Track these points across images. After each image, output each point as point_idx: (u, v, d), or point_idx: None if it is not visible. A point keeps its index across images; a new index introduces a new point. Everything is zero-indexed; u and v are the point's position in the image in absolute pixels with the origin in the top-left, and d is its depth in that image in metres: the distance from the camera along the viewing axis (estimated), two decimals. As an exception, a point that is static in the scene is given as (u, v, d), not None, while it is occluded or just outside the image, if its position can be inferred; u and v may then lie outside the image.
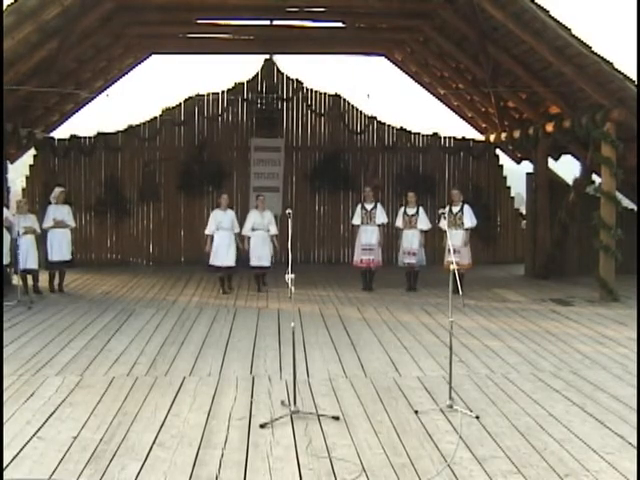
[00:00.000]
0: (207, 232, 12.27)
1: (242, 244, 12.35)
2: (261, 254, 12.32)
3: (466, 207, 12.17)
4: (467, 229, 12.09)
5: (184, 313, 10.38)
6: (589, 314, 10.36)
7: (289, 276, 5.98)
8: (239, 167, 16.74)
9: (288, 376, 6.50)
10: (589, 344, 8.42)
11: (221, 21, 14.65)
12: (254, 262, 12.39)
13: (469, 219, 12.09)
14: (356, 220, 12.63)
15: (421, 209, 12.56)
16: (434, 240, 12.88)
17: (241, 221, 12.51)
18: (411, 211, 12.49)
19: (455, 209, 12.11)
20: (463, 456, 4.91)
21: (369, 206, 12.52)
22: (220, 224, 12.15)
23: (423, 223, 12.39)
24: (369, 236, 12.39)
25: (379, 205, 12.64)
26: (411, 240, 12.37)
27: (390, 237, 14.11)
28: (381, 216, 12.48)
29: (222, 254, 12.09)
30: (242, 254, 12.31)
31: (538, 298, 11.78)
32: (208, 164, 16.38)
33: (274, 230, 12.48)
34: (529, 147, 14.71)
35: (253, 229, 12.36)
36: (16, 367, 7.19)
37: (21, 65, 11.72)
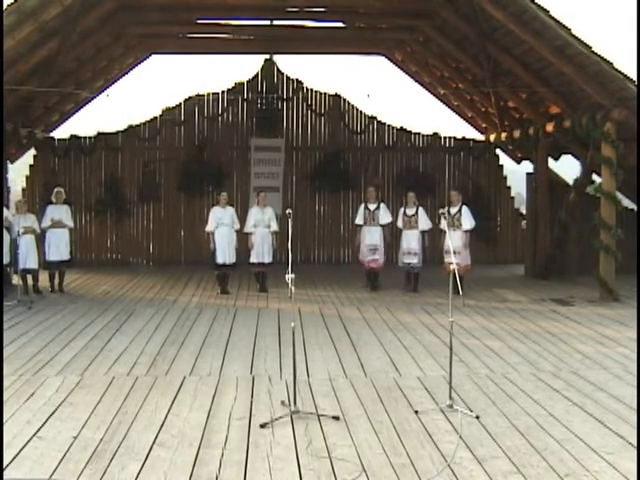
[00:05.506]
0: (208, 229, 12.26)
1: (249, 241, 12.29)
2: (261, 251, 12.27)
3: (464, 208, 12.08)
4: (466, 231, 12.06)
5: (184, 313, 10.39)
6: (589, 314, 10.35)
7: (289, 276, 5.99)
8: (239, 167, 16.74)
9: (288, 376, 6.51)
10: (589, 344, 8.42)
11: (221, 21, 14.66)
12: (254, 259, 12.34)
13: (468, 221, 12.02)
14: (359, 220, 12.59)
15: (421, 209, 12.47)
16: (434, 240, 12.86)
17: (241, 219, 12.50)
18: (410, 211, 12.42)
19: (453, 210, 12.03)
20: (463, 456, 4.91)
21: (372, 206, 12.47)
22: (220, 220, 12.13)
23: (422, 223, 12.34)
24: (373, 236, 12.37)
25: (382, 205, 12.61)
26: (410, 240, 12.32)
27: (392, 237, 14.10)
28: (385, 216, 12.45)
29: (223, 251, 12.09)
30: (250, 249, 12.27)
31: (538, 298, 11.77)
32: (208, 164, 16.36)
33: (275, 226, 12.41)
34: (529, 147, 14.70)
35: (254, 225, 12.33)
36: (16, 367, 7.20)
37: (21, 65, 11.72)
